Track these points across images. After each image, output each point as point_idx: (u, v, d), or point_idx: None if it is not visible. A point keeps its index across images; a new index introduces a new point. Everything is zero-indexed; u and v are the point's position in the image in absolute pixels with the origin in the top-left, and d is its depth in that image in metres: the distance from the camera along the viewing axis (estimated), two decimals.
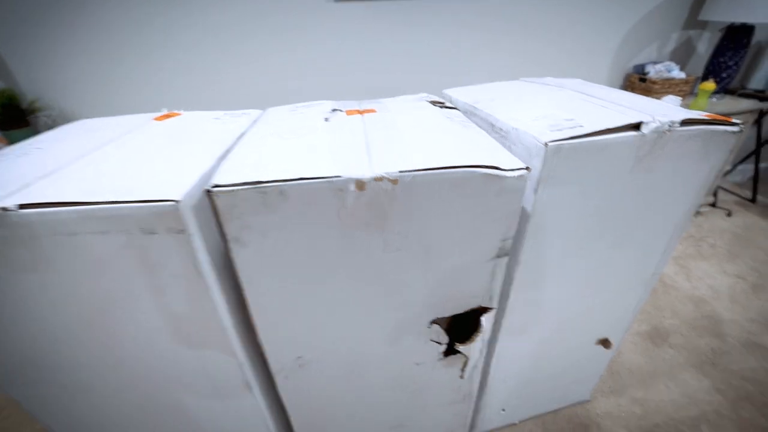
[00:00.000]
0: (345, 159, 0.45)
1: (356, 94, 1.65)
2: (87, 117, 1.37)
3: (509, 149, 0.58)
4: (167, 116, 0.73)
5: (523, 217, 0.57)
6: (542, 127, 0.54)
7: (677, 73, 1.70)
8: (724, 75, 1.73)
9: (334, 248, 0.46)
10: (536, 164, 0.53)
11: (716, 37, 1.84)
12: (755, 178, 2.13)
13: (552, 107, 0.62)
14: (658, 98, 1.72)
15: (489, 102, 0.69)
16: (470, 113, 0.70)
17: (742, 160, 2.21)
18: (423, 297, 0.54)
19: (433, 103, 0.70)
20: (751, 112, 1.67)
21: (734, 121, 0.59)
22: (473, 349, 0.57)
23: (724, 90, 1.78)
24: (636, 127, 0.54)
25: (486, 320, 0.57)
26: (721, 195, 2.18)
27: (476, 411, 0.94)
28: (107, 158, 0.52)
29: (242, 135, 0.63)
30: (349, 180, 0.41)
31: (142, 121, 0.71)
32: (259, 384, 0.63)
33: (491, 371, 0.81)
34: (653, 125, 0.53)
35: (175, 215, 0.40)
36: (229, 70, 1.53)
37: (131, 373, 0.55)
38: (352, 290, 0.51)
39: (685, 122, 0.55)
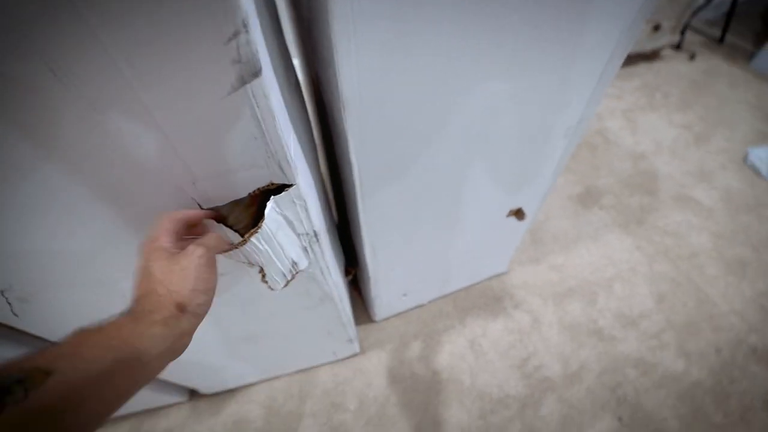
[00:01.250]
0: None
1: None
2: None
3: None
4: None
5: None
6: None
7: None
8: None
9: None
10: None
11: None
12: (729, 13, 1.84)
13: None
14: None
15: None
16: None
17: None
18: (153, 178, 0.29)
19: None
20: None
21: None
22: (261, 252, 0.36)
23: None
24: None
25: (281, 205, 0.34)
26: (688, 35, 1.90)
27: (369, 302, 0.83)
28: None
29: None
30: None
31: None
32: None
33: (369, 264, 0.64)
34: None
35: None
36: None
37: None
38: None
39: None
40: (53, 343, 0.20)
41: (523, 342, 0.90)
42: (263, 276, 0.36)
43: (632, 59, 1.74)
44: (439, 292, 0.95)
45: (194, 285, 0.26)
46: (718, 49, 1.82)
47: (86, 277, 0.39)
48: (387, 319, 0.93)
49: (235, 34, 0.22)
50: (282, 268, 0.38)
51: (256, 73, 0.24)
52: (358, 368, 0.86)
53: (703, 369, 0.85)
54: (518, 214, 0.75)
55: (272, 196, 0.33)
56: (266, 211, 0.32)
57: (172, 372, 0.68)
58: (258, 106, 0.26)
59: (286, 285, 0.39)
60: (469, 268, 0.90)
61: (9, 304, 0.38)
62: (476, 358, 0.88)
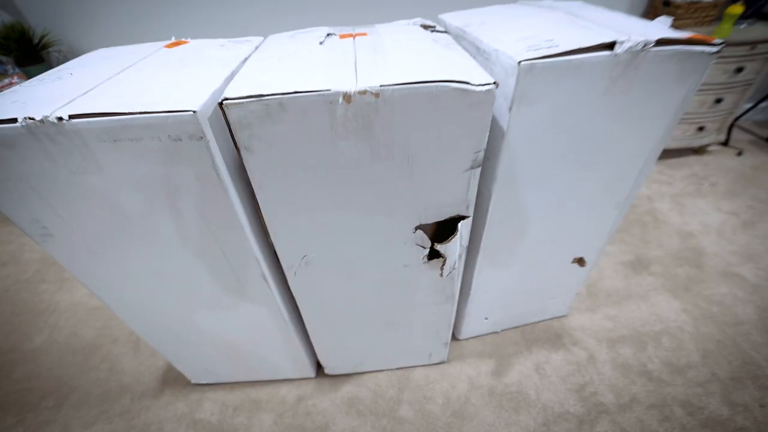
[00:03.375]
0: (335, 76, 0.51)
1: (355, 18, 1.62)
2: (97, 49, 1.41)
3: (490, 70, 0.62)
4: (176, 44, 0.78)
5: (498, 134, 0.63)
6: (521, 47, 0.58)
7: None
8: None
9: (329, 157, 0.54)
10: (511, 83, 0.58)
11: None
12: None
13: (536, 29, 0.65)
14: (677, 25, 1.63)
15: (479, 26, 0.72)
16: (460, 37, 0.73)
17: (767, 97, 2.11)
18: (407, 204, 0.62)
19: (425, 27, 0.73)
20: None
21: (714, 41, 0.61)
22: (450, 250, 0.67)
23: (757, 15, 1.67)
24: (610, 46, 0.57)
25: (462, 226, 0.66)
26: (737, 134, 2.13)
27: (460, 317, 1.09)
28: (130, 79, 0.59)
29: (246, 59, 0.68)
30: (337, 93, 0.48)
31: (154, 48, 0.76)
32: (274, 278, 0.76)
33: (473, 281, 0.92)
34: (627, 45, 0.56)
35: (194, 123, 0.48)
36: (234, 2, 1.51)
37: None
38: (347, 196, 0.60)
39: (660, 42, 0.58)
40: None
41: (580, 372, 1.09)
42: (443, 263, 0.67)
43: (682, 152, 1.99)
44: (511, 323, 1.18)
45: None
46: (766, 147, 2.02)
47: (339, 263, 0.72)
48: (467, 339, 1.17)
49: (479, 150, 0.56)
50: (450, 262, 0.68)
51: (479, 166, 0.57)
52: (445, 373, 1.10)
53: (747, 419, 0.98)
54: (580, 261, 1.01)
55: (461, 221, 0.65)
56: (459, 228, 0.64)
57: (321, 347, 0.97)
58: (473, 177, 0.59)
59: (448, 274, 0.70)
60: (537, 305, 1.14)
61: (304, 265, 0.72)
62: (541, 378, 1.08)
